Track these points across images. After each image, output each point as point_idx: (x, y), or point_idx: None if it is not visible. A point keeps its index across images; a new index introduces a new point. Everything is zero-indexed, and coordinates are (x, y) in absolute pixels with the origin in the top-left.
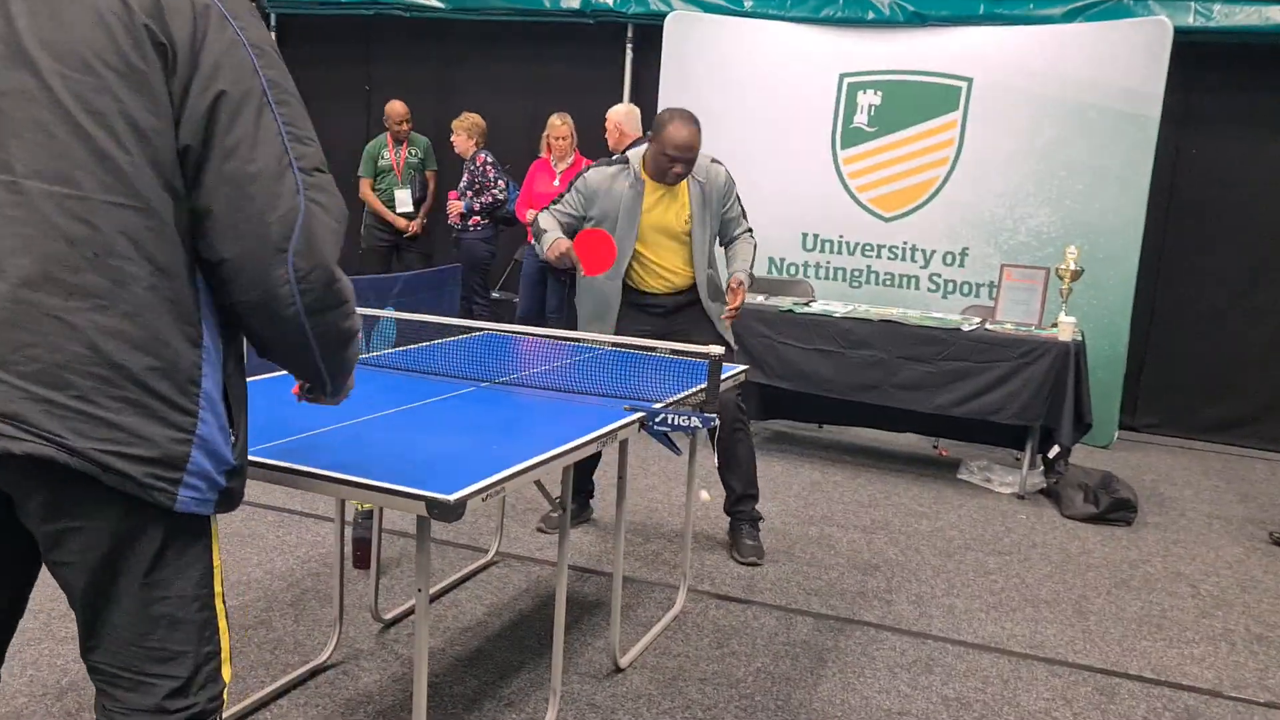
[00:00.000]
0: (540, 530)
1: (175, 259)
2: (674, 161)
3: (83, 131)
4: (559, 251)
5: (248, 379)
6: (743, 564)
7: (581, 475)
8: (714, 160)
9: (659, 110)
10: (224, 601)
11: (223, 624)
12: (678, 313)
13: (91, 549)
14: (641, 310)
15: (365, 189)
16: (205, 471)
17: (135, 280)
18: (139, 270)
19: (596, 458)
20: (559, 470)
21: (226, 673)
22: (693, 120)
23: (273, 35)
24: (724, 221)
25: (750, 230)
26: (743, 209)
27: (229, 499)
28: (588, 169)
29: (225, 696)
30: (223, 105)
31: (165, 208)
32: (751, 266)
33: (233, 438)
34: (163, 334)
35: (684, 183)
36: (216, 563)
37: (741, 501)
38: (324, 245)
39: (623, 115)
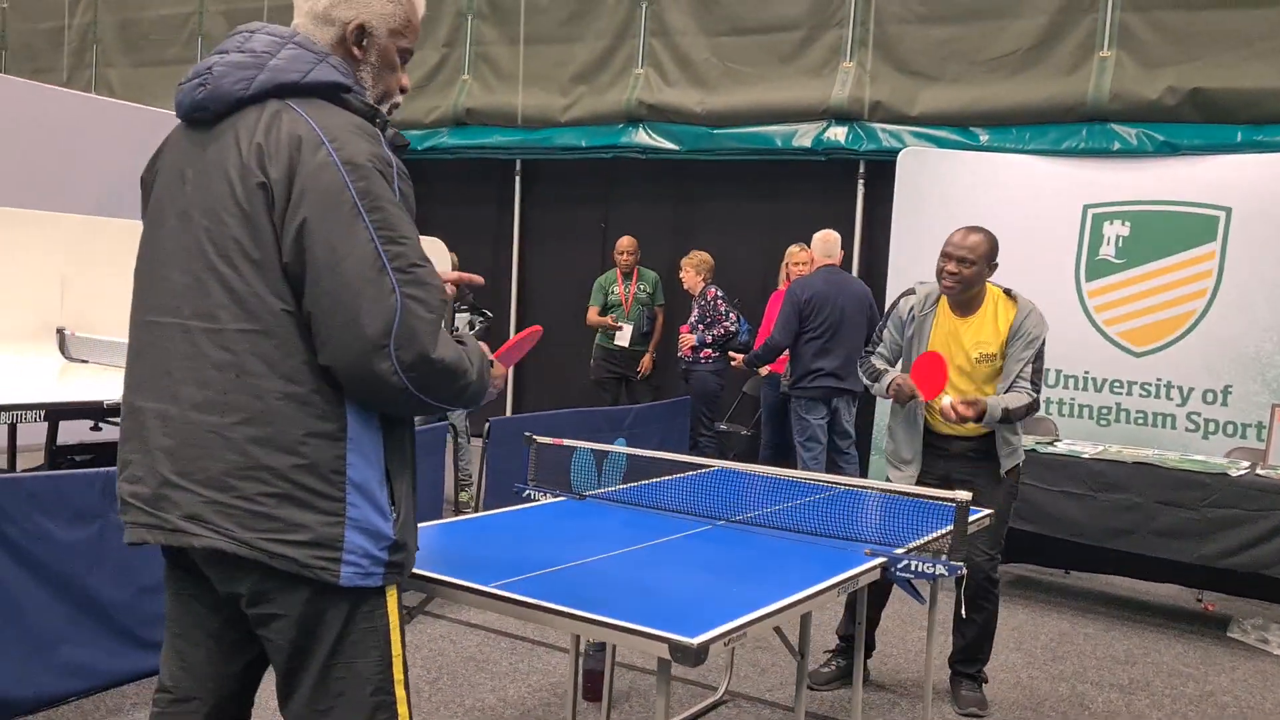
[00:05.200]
0: (811, 688)
1: (302, 369)
2: (946, 259)
3: (217, 273)
4: (906, 390)
5: None
6: (962, 715)
7: (851, 617)
8: (1041, 318)
9: (891, 243)
10: (408, 693)
11: (404, 713)
12: (960, 459)
13: (286, 629)
14: (930, 450)
15: (592, 315)
16: (364, 549)
17: (269, 393)
18: (271, 384)
19: (879, 598)
20: (797, 618)
21: None
22: (981, 229)
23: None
24: (1007, 372)
25: (1032, 393)
26: (1036, 371)
27: (396, 570)
28: (899, 298)
29: None
30: (309, 226)
31: (283, 326)
32: (1009, 408)
33: (394, 514)
34: (300, 435)
35: (990, 314)
36: (397, 651)
37: (967, 663)
38: (422, 336)
39: (818, 240)
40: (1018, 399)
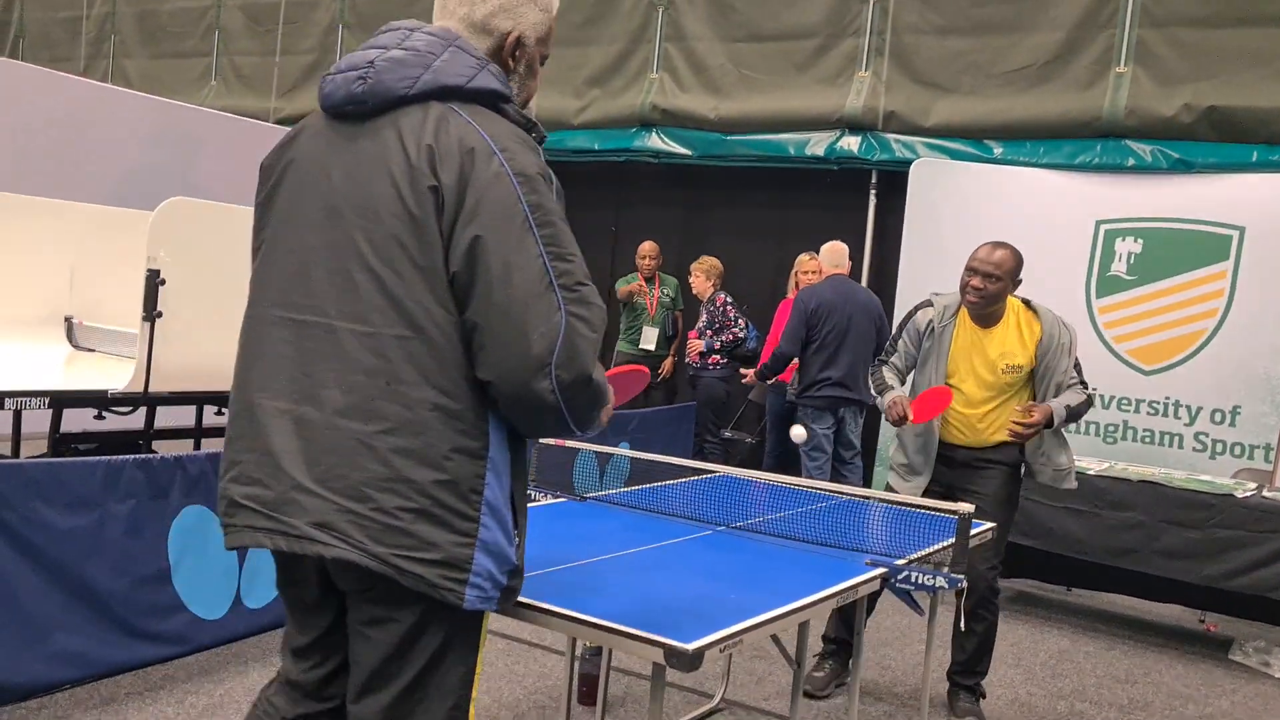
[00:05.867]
0: (807, 694)
1: (457, 381)
2: (972, 274)
3: (374, 275)
4: (898, 409)
5: None
6: None
7: (842, 627)
8: (1065, 323)
9: (902, 254)
10: (475, 708)
11: None
12: (969, 467)
13: (394, 633)
14: (936, 459)
15: (621, 291)
16: (489, 572)
17: (420, 404)
18: (423, 394)
19: (869, 606)
20: (794, 626)
21: None
22: (1007, 245)
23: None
24: (1055, 383)
25: (1085, 386)
26: (1078, 369)
27: (510, 595)
28: (915, 309)
29: None
30: (484, 238)
31: (443, 336)
32: (1072, 407)
33: (517, 538)
34: (446, 450)
35: (1014, 325)
36: (479, 668)
37: (966, 674)
38: (585, 356)
39: (826, 249)
40: (1076, 396)
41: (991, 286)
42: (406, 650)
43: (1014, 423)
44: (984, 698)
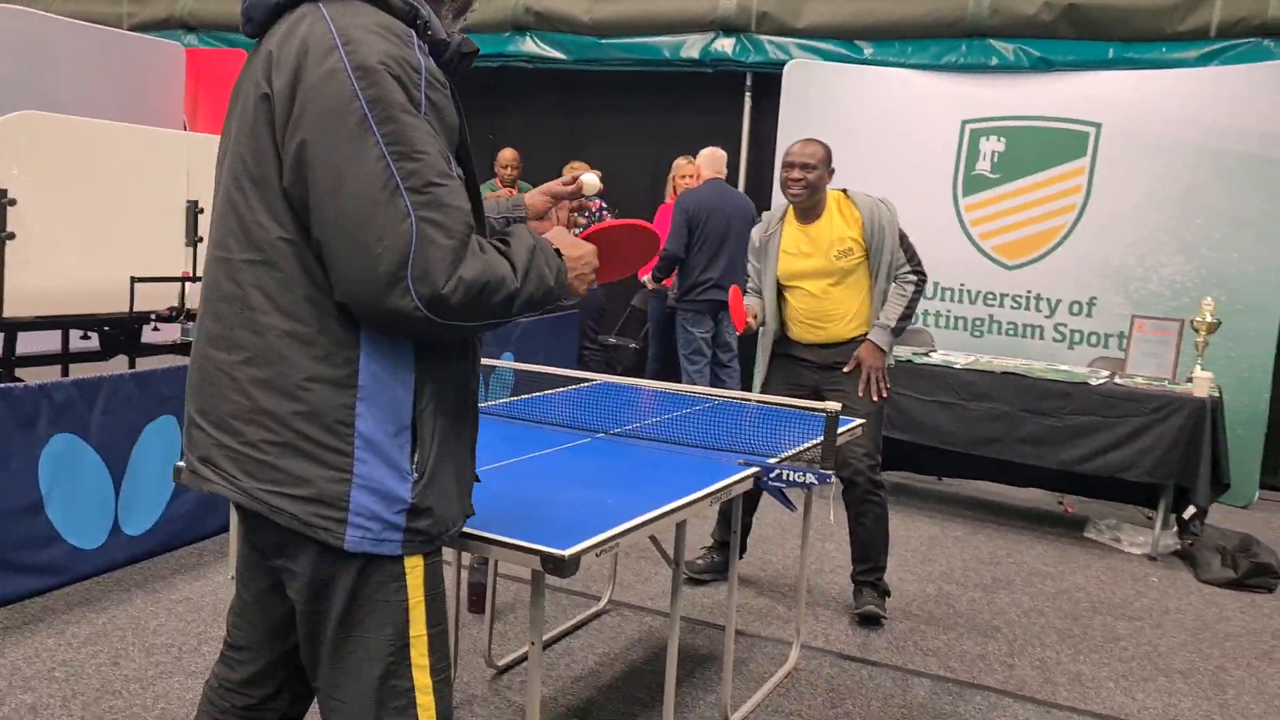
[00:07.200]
0: (689, 577)
1: (304, 306)
2: (790, 169)
3: (230, 198)
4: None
5: None
6: (859, 614)
7: (728, 522)
8: (883, 201)
9: (777, 156)
10: (435, 680)
11: (425, 704)
12: (828, 370)
13: (301, 591)
14: (799, 364)
15: None
16: (373, 511)
17: (269, 330)
18: (272, 320)
19: (750, 504)
20: (672, 527)
21: None
22: (816, 139)
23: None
24: (885, 261)
25: (912, 277)
26: (909, 252)
27: (420, 538)
28: (753, 230)
29: None
30: (309, 144)
31: (285, 257)
32: (891, 323)
33: (415, 475)
34: (300, 380)
35: (836, 213)
36: (419, 631)
37: (865, 571)
38: (442, 264)
39: (704, 154)
40: (895, 304)
41: (810, 175)
42: (317, 607)
43: (862, 387)
44: (888, 594)
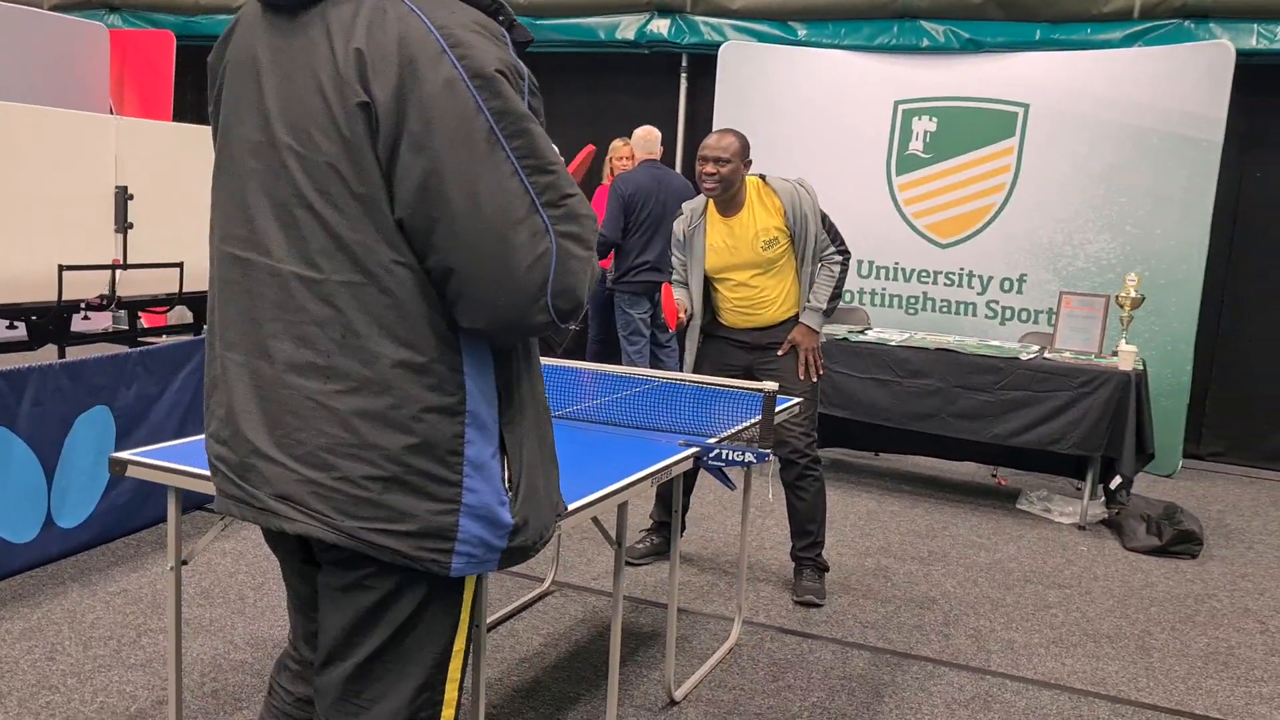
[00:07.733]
0: (629, 563)
1: (421, 332)
2: (703, 162)
3: (314, 211)
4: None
5: None
6: (798, 602)
7: (666, 502)
8: (803, 185)
9: None
10: (458, 694)
11: (448, 717)
12: (761, 350)
13: (360, 603)
14: (732, 345)
15: None
16: (479, 538)
17: (380, 358)
18: (383, 348)
19: (688, 483)
20: (614, 508)
21: None
22: (731, 130)
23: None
24: (810, 247)
25: (838, 257)
26: (832, 233)
27: (515, 555)
28: (675, 223)
29: None
30: (438, 173)
31: (400, 283)
32: (822, 305)
33: (509, 492)
34: (416, 411)
35: (757, 202)
36: (459, 646)
37: (806, 548)
38: (580, 281)
39: (639, 135)
40: (824, 285)
41: (724, 169)
42: (373, 618)
43: (801, 370)
44: (827, 570)
